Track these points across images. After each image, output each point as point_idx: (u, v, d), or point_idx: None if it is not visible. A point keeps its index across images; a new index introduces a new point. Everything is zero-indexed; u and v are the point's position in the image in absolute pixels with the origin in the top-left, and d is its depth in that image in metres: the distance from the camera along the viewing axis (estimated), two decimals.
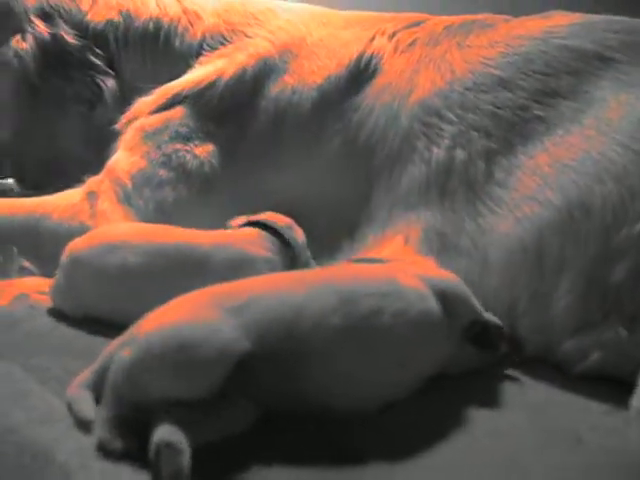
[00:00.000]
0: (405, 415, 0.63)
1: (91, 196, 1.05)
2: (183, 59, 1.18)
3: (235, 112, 1.09)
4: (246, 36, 1.16)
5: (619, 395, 0.62)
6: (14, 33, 1.21)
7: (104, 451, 0.51)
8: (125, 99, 1.18)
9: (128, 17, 1.22)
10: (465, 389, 0.71)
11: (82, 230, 0.98)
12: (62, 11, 1.21)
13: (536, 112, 0.87)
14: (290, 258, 0.91)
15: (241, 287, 0.63)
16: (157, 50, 1.20)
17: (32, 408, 0.59)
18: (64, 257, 0.86)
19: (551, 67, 0.90)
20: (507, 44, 0.95)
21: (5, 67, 1.20)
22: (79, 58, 1.19)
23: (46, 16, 1.21)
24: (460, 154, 0.90)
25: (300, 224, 0.95)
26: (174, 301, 0.59)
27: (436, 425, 0.63)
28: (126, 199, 1.04)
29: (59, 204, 1.05)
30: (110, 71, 1.20)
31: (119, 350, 0.56)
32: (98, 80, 1.18)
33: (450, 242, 0.87)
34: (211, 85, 1.10)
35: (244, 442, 0.55)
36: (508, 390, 0.72)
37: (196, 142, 1.08)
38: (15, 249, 0.98)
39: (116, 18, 1.21)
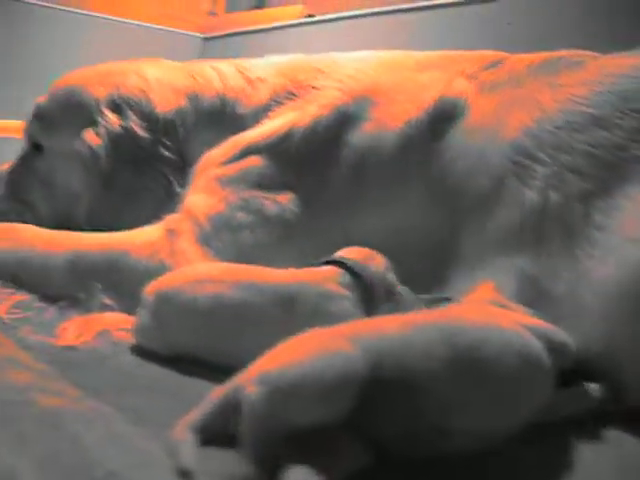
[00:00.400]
0: (505, 461, 0.62)
1: (171, 234, 1.05)
2: (251, 124, 1.17)
3: (313, 161, 1.08)
4: (314, 88, 1.16)
5: None
6: (85, 125, 1.22)
7: None
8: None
9: (195, 99, 1.23)
10: (563, 440, 0.68)
11: (161, 268, 0.98)
12: (132, 102, 1.21)
13: (635, 152, 0.83)
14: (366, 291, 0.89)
15: (352, 326, 0.64)
16: (225, 123, 1.20)
17: (130, 451, 0.58)
18: (149, 295, 0.85)
19: None
20: (600, 82, 0.92)
21: (77, 157, 1.21)
22: (150, 152, 1.19)
23: (117, 108, 1.21)
24: (554, 196, 0.86)
25: None
26: (291, 340, 0.60)
27: (537, 473, 0.62)
28: (205, 240, 1.04)
29: (134, 241, 1.05)
30: (180, 161, 1.20)
31: (240, 391, 0.56)
32: (169, 174, 1.18)
33: (544, 289, 0.84)
34: (286, 136, 1.09)
35: None
36: (606, 445, 0.69)
37: (275, 190, 1.07)
38: (98, 285, 0.98)
39: (184, 104, 1.22)
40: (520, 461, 0.63)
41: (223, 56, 2.65)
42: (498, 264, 0.89)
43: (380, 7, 2.18)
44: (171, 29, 2.75)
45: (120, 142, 1.18)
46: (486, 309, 0.74)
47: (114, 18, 2.59)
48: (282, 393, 0.53)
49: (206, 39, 2.75)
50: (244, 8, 2.85)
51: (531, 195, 0.88)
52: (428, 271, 0.97)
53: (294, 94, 1.17)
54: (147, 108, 1.21)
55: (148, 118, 1.20)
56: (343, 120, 1.08)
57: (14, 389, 0.71)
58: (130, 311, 0.94)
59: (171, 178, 1.18)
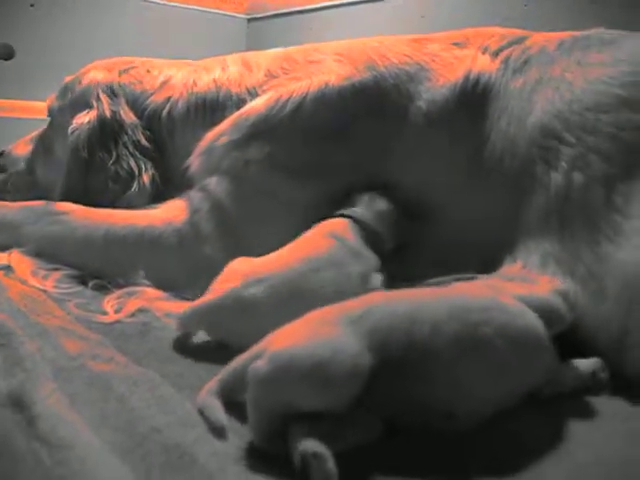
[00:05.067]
0: (505, 432, 0.64)
1: (195, 216, 1.07)
2: (248, 101, 1.16)
3: (334, 139, 1.06)
4: (311, 62, 1.14)
5: None
6: (84, 105, 1.28)
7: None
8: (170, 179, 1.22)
9: (191, 87, 1.24)
10: (565, 411, 0.70)
11: (187, 254, 1.05)
12: (127, 90, 1.28)
13: None
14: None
15: (358, 303, 0.66)
16: (219, 107, 1.19)
17: (172, 412, 0.64)
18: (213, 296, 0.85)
19: None
20: (630, 62, 0.90)
21: (66, 135, 1.27)
22: (130, 137, 1.23)
23: (112, 93, 1.27)
24: (578, 178, 0.86)
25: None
26: (302, 319, 0.63)
27: (535, 443, 0.63)
28: (231, 228, 1.05)
29: (162, 223, 1.08)
30: (155, 155, 1.23)
31: (250, 363, 0.59)
32: (140, 162, 1.21)
33: (567, 270, 0.84)
34: (298, 108, 1.06)
35: (369, 455, 0.58)
36: (607, 417, 0.70)
37: (302, 173, 1.05)
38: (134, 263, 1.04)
39: (176, 94, 1.24)
40: (523, 434, 0.65)
41: (267, 37, 2.71)
42: (526, 247, 0.90)
43: None
44: (216, 10, 2.79)
45: (106, 124, 1.23)
46: (487, 285, 0.76)
47: (159, 2, 2.64)
48: (288, 379, 0.56)
49: (250, 20, 2.79)
50: None
51: (557, 177, 0.88)
52: (465, 245, 0.97)
53: (290, 69, 1.15)
54: (140, 97, 1.27)
55: (137, 106, 1.26)
56: (354, 91, 1.06)
57: (68, 356, 0.78)
58: (163, 288, 1.01)
59: (142, 166, 1.21)
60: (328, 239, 0.93)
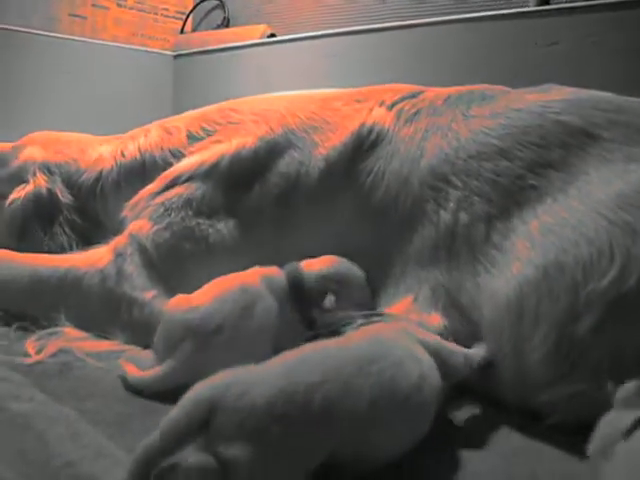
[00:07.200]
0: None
1: (118, 258, 1.14)
2: (173, 163, 1.25)
3: (244, 186, 1.17)
4: (231, 123, 1.25)
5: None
6: (21, 180, 1.35)
7: None
8: None
9: (120, 159, 1.32)
10: (450, 436, 0.81)
11: (110, 292, 1.11)
12: (63, 170, 1.35)
13: (530, 181, 0.94)
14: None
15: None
16: (145, 172, 1.28)
17: (86, 446, 0.70)
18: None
19: (545, 140, 0.97)
20: (507, 116, 1.03)
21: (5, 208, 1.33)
22: (66, 217, 1.31)
23: (49, 171, 1.35)
24: (464, 217, 0.98)
25: None
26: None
27: (423, 465, 0.72)
28: (151, 266, 1.13)
29: (86, 265, 1.15)
30: (91, 233, 1.30)
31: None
32: (72, 241, 1.29)
33: (454, 299, 0.96)
34: (216, 164, 1.18)
35: None
36: (489, 437, 0.82)
37: (216, 216, 1.16)
38: (56, 304, 1.09)
39: (108, 167, 1.32)
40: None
41: (192, 73, 2.78)
42: (418, 278, 1.00)
43: (339, 28, 2.30)
44: (142, 48, 2.84)
45: (42, 201, 1.31)
46: (388, 331, 0.81)
47: (85, 39, 2.65)
48: None
49: (176, 57, 2.86)
50: (211, 27, 2.96)
51: (445, 216, 1.00)
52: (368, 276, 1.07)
53: (213, 130, 1.26)
54: (75, 175, 1.34)
55: (73, 185, 1.34)
56: (268, 148, 1.18)
57: None
58: (84, 328, 1.07)
59: (74, 248, 1.27)
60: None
